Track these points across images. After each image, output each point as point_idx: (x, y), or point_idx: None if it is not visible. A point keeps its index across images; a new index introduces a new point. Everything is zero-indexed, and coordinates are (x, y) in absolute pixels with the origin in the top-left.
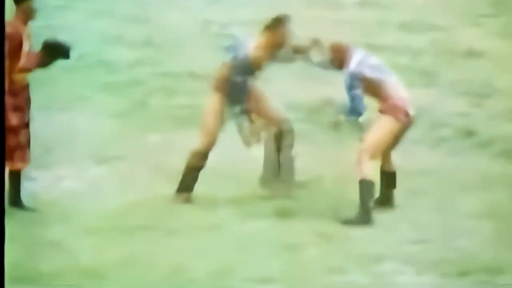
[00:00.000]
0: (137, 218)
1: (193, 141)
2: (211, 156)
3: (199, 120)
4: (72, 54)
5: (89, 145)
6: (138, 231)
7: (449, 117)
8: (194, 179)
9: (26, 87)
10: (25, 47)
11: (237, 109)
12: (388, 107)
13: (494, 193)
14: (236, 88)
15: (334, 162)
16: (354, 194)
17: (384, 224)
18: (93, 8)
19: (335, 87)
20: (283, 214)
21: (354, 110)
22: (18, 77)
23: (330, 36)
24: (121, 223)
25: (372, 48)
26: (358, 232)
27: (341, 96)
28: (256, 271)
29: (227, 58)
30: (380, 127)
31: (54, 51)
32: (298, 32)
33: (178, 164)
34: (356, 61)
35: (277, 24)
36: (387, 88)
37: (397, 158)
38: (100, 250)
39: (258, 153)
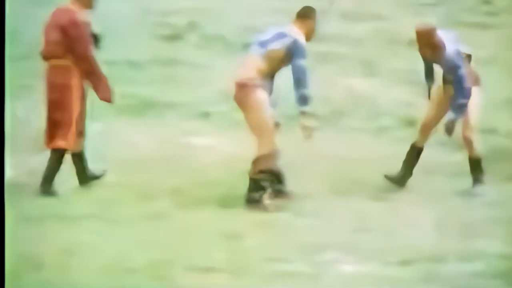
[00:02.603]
0: (79, 207)
1: (134, 130)
2: (150, 145)
3: (139, 109)
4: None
5: (31, 134)
6: (80, 220)
7: (390, 106)
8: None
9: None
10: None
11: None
12: (473, 79)
13: (436, 181)
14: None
15: None
16: (294, 184)
17: (326, 213)
18: None
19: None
20: (225, 203)
21: (466, 91)
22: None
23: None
24: (62, 212)
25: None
26: (300, 221)
27: (282, 87)
28: (198, 260)
29: (255, 51)
30: (476, 100)
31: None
32: (243, 23)
33: (119, 153)
34: (450, 39)
35: (307, 14)
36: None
37: (339, 147)
38: (42, 239)
39: (196, 141)
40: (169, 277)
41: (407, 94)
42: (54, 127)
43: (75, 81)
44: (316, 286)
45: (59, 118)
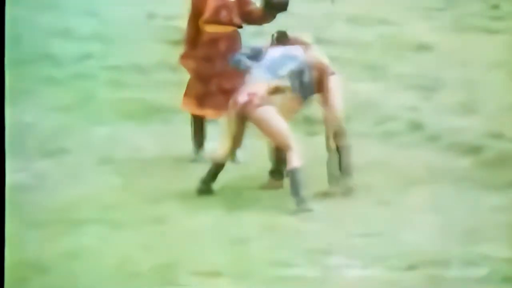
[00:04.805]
0: (84, 211)
1: (140, 134)
2: (156, 149)
3: (145, 113)
4: (17, 47)
5: (35, 138)
6: (85, 224)
7: (397, 110)
8: None
9: (217, 40)
10: (211, 2)
11: None
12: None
13: (441, 186)
14: None
15: None
16: None
17: (331, 217)
18: (39, 1)
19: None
20: (231, 207)
21: None
22: (207, 28)
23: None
24: (67, 216)
25: (320, 41)
26: (306, 225)
27: None
28: (202, 264)
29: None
30: (337, 87)
31: (273, 7)
32: (248, 28)
33: (125, 156)
34: None
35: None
36: None
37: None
38: (47, 243)
39: (206, 145)
40: (174, 281)
41: (414, 99)
42: None
43: None
44: None
45: None
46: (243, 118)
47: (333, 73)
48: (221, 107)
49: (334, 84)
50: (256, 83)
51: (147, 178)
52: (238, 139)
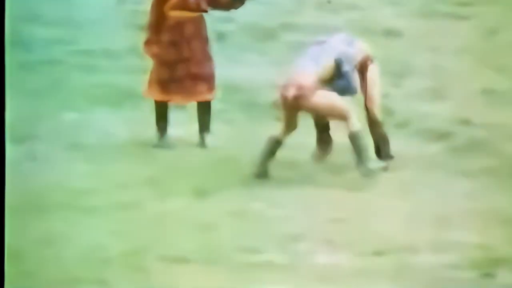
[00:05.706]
0: (54, 197)
1: (110, 119)
2: (126, 134)
3: (115, 98)
4: None
5: (4, 124)
6: (55, 210)
7: None
8: None
9: (183, 24)
10: None
11: None
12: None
13: (410, 172)
14: None
15: (249, 141)
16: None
17: (300, 203)
18: None
19: (251, 68)
20: (199, 193)
21: None
22: (172, 13)
23: (247, 17)
24: (37, 203)
25: (289, 27)
26: (274, 211)
27: (258, 77)
28: (171, 250)
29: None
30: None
31: None
32: (218, 14)
33: (95, 142)
34: None
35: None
36: None
37: (314, 136)
38: (17, 229)
39: (172, 131)
40: (143, 267)
41: (382, 85)
42: None
43: None
44: (290, 276)
45: None
46: (295, 109)
47: (372, 62)
48: (189, 92)
49: (372, 73)
50: (302, 74)
51: (116, 164)
52: (292, 124)
